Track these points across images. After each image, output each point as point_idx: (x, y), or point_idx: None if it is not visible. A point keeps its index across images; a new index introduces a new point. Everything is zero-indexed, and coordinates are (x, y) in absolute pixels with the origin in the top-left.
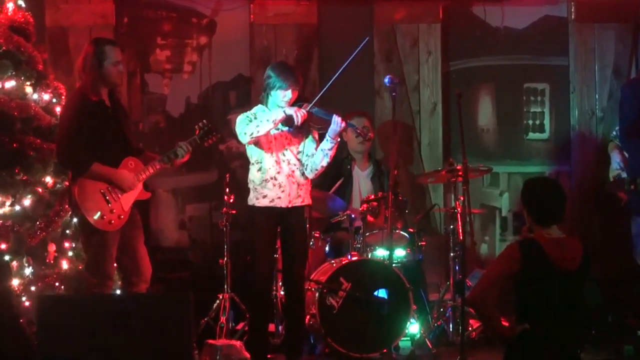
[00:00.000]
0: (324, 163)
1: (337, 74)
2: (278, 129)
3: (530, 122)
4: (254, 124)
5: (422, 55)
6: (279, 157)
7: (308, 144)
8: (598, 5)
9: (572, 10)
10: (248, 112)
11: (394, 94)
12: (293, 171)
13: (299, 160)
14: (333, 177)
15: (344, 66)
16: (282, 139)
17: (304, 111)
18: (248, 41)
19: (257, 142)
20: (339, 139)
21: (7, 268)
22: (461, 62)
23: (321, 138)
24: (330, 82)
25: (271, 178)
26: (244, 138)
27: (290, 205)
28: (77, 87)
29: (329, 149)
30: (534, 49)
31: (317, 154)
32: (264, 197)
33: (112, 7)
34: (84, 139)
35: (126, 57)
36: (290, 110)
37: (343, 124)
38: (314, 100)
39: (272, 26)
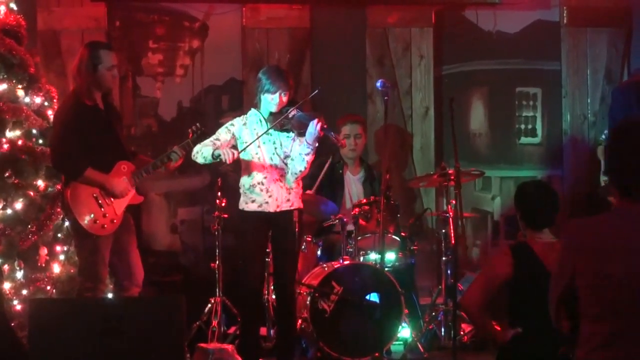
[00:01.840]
0: (302, 168)
1: (291, 109)
2: (271, 135)
3: (523, 126)
4: (196, 148)
5: (414, 59)
6: (267, 162)
7: (294, 147)
8: (590, 10)
9: (565, 14)
10: (235, 119)
11: (386, 97)
12: (282, 175)
13: (286, 164)
14: (325, 181)
15: (296, 106)
16: (270, 144)
17: (230, 153)
18: (240, 45)
19: (245, 148)
20: (316, 144)
21: (15, 246)
22: (453, 66)
23: None
24: (291, 109)
25: (258, 183)
26: (192, 156)
27: (278, 210)
28: (71, 91)
29: (306, 154)
30: (526, 54)
31: (296, 159)
32: (253, 201)
33: (104, 10)
34: (78, 143)
35: (118, 61)
36: (218, 151)
37: (319, 129)
38: (295, 107)
39: (264, 30)
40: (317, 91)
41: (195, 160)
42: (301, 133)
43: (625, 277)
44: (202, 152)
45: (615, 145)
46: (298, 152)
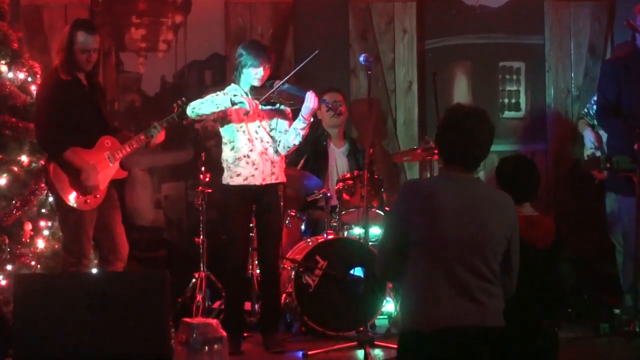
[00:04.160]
0: (296, 142)
1: (286, 78)
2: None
3: (506, 100)
4: (199, 101)
5: (397, 33)
6: (252, 135)
7: (280, 121)
8: None
9: None
10: (219, 91)
11: (369, 72)
12: (266, 149)
13: (271, 137)
14: (309, 155)
15: (292, 72)
16: (255, 116)
17: (255, 102)
18: (223, 20)
19: (227, 117)
20: (311, 119)
21: None
22: (437, 40)
23: (294, 113)
24: (289, 75)
25: (244, 156)
26: (188, 110)
27: (264, 183)
28: (52, 67)
29: (302, 129)
30: (509, 28)
31: (289, 132)
32: (238, 175)
33: None
34: (60, 119)
35: (101, 36)
36: (240, 99)
37: (316, 102)
38: (283, 80)
39: (247, 5)
40: (317, 53)
41: (197, 113)
42: (291, 104)
43: (444, 229)
44: (215, 101)
45: (442, 125)
46: (293, 126)
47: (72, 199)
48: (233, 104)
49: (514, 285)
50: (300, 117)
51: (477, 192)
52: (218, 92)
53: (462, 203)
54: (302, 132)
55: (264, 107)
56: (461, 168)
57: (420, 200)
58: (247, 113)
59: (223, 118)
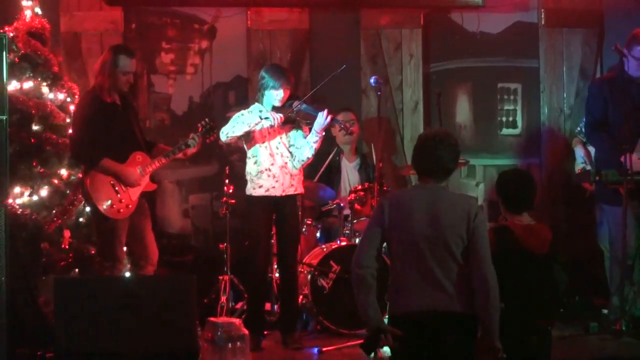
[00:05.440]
0: (309, 154)
1: (317, 87)
2: (271, 125)
3: (504, 118)
4: (230, 125)
5: (404, 57)
6: (273, 151)
7: (298, 137)
8: (566, 12)
9: (542, 16)
10: (243, 110)
11: (379, 93)
12: (286, 163)
13: (290, 152)
14: (324, 169)
15: (322, 83)
16: (275, 133)
17: (279, 115)
18: (245, 45)
19: (252, 138)
20: (323, 133)
21: (41, 229)
22: (440, 64)
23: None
24: (312, 92)
25: (266, 169)
26: (221, 136)
27: (284, 194)
28: (90, 88)
29: (314, 142)
30: (507, 52)
31: (303, 146)
32: (260, 187)
33: (121, 14)
34: (95, 135)
35: (136, 68)
36: (266, 114)
37: (329, 119)
38: (302, 101)
39: (267, 32)
40: (344, 67)
41: (231, 135)
42: (308, 123)
43: (413, 230)
44: (245, 121)
45: (414, 148)
46: (306, 140)
47: (106, 208)
48: (261, 118)
49: (490, 276)
50: (313, 131)
51: (440, 197)
52: (243, 112)
53: (427, 207)
54: (314, 145)
55: (283, 125)
56: (430, 180)
57: (394, 206)
58: (271, 126)
59: (247, 139)
